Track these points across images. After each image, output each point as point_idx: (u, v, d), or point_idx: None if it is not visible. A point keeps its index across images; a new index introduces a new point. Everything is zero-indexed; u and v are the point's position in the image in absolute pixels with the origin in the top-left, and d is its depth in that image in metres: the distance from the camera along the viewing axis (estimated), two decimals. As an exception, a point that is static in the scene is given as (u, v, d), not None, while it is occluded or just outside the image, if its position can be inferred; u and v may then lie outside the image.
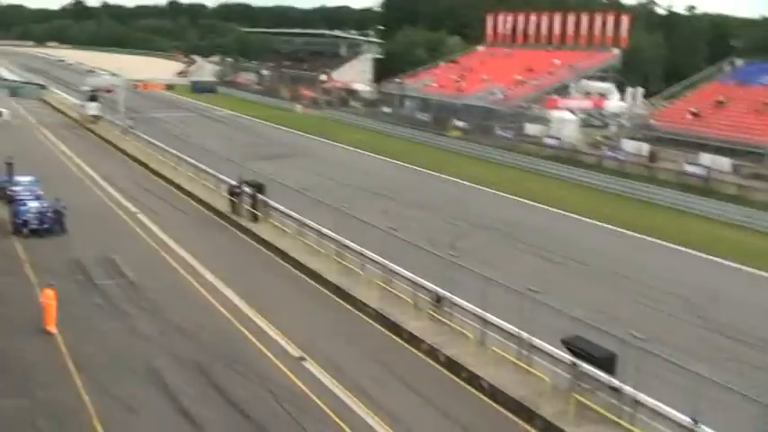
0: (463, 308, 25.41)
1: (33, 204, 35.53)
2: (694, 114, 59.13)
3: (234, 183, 40.27)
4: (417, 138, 73.99)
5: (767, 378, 22.69)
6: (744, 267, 35.29)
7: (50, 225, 35.24)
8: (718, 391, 17.45)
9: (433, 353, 23.77)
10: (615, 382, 19.48)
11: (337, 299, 28.87)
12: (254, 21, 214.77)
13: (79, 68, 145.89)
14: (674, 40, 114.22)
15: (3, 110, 71.55)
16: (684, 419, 18.39)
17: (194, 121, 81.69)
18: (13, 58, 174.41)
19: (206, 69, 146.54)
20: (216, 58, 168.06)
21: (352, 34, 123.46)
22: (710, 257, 36.75)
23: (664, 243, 39.05)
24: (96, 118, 72.21)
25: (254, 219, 37.69)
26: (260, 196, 38.31)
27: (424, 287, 26.88)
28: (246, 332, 25.24)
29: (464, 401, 21.30)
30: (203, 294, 28.74)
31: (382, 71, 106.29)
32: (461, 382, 22.27)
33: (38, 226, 35.01)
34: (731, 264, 35.72)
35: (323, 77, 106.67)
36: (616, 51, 77.66)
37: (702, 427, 17.87)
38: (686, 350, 23.07)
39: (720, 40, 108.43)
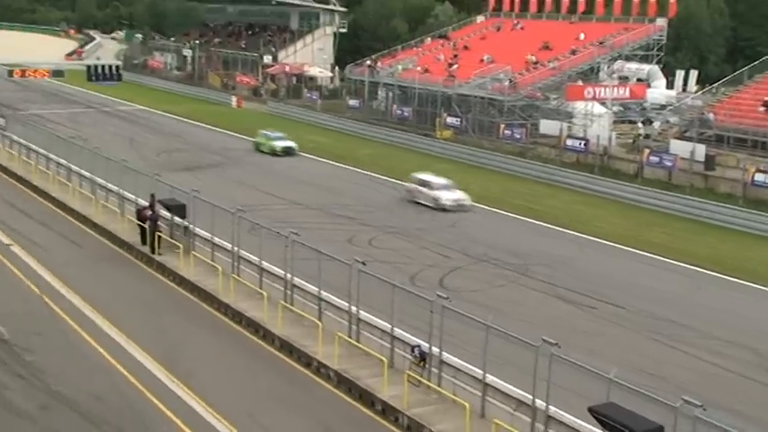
0: (456, 368, 25.47)
1: None
2: (768, 106, 59.81)
3: (144, 203, 40.16)
4: (394, 140, 74.41)
5: None
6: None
7: None
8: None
9: (415, 429, 23.80)
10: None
11: (285, 358, 28.90)
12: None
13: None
14: (741, 7, 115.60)
15: None
16: None
17: (91, 120, 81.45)
18: None
19: (107, 49, 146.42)
20: (121, 34, 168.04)
21: (306, 1, 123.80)
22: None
23: (727, 278, 39.51)
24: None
25: (171, 251, 37.62)
26: (180, 220, 38.29)
27: (402, 340, 26.96)
28: (161, 405, 25.09)
29: (458, 495, 21.38)
30: (102, 355, 28.59)
31: (347, 51, 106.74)
32: (455, 469, 22.38)
33: None
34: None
35: (267, 59, 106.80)
36: (662, 22, 78.40)
37: None
38: (759, 419, 23.31)
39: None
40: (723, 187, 54.99)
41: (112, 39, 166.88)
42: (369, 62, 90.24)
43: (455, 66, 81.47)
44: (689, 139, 59.77)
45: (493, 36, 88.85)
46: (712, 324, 33.25)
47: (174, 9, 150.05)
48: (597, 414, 20.20)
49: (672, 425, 19.03)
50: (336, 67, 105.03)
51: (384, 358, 26.43)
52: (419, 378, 25.49)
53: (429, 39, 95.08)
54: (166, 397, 25.61)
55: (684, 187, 55.23)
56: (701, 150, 57.37)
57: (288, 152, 66.75)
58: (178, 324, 31.92)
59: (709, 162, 56.73)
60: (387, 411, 24.85)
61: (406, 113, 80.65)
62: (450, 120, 74.83)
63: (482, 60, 79.84)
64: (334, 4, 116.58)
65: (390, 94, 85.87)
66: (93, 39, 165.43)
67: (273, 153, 66.42)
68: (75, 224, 44.51)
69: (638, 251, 43.41)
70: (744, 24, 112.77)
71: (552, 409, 22.18)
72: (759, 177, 52.90)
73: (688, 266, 41.01)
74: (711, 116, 61.95)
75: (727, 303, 36.43)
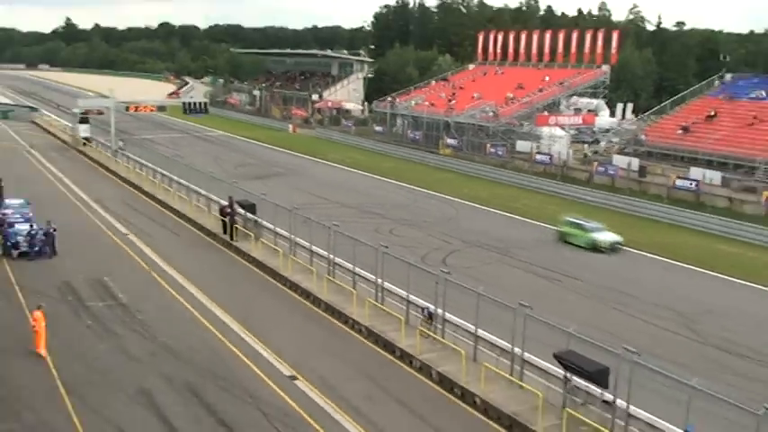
0: (455, 324, 25.37)
1: (23, 227, 35.39)
2: (685, 129, 59.43)
3: (225, 203, 40.19)
4: (409, 156, 74.14)
5: (761, 389, 22.69)
6: (737, 280, 35.36)
7: (41, 247, 35.09)
8: (713, 403, 17.39)
9: (425, 370, 23.71)
10: (608, 396, 19.44)
11: (329, 317, 28.82)
12: (246, 41, 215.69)
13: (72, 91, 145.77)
14: (664, 56, 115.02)
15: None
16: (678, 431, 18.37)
17: (186, 142, 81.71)
18: (4, 81, 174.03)
19: (198, 90, 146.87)
20: (207, 79, 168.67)
21: (344, 54, 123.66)
22: (705, 271, 36.82)
23: (658, 257, 39.14)
24: (87, 140, 72.08)
25: (245, 239, 37.61)
26: (251, 216, 38.28)
27: (415, 304, 26.85)
28: (238, 352, 25.13)
29: (457, 418, 21.23)
30: (195, 315, 28.61)
31: (374, 90, 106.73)
32: (454, 399, 22.23)
33: (28, 248, 34.87)
34: (726, 277, 35.74)
35: (314, 97, 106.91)
36: (606, 68, 77.98)
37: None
38: (680, 363, 23.07)
39: (710, 55, 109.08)
40: (653, 190, 54.58)
41: (202, 83, 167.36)
42: (390, 99, 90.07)
43: (453, 101, 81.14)
44: (627, 154, 59.83)
45: (481, 79, 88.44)
46: (645, 292, 33.03)
47: (247, 61, 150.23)
48: (560, 358, 20.12)
49: (616, 367, 18.88)
50: (366, 102, 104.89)
51: (402, 317, 26.34)
52: (428, 332, 25.40)
53: (434, 81, 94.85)
54: (243, 347, 25.64)
55: (624, 190, 54.92)
56: (635, 162, 57.47)
57: (615, 248, 40.12)
58: (250, 292, 31.88)
59: (642, 171, 56.51)
60: (404, 356, 24.80)
61: (417, 136, 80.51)
62: (449, 141, 74.73)
63: (473, 97, 79.45)
64: (365, 57, 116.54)
65: (406, 121, 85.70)
66: (188, 83, 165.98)
67: (594, 248, 39.93)
68: (174, 219, 44.54)
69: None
70: (667, 70, 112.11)
71: (527, 354, 22.10)
72: (679, 182, 52.91)
73: (627, 249, 40.61)
74: (643, 137, 61.79)
75: (656, 276, 36.13)
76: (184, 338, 26.09)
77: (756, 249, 41.72)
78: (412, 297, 27.02)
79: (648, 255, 39.71)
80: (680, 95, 67.80)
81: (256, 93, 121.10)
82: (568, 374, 20.22)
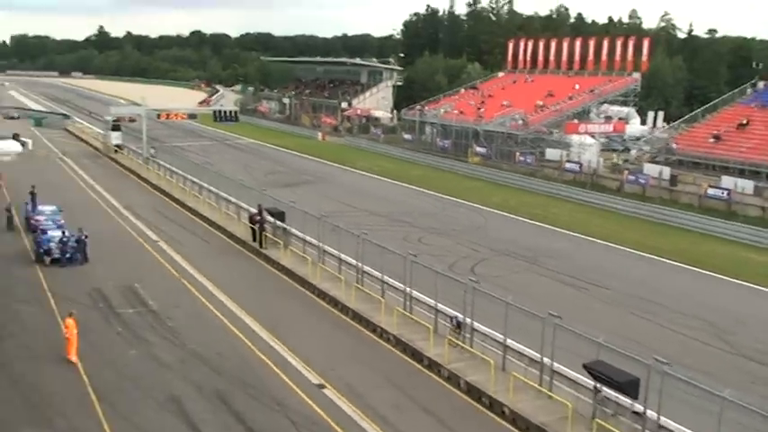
0: (484, 333, 25.26)
1: (55, 233, 35.82)
2: (716, 137, 58.82)
3: (254, 210, 40.38)
4: (438, 164, 74.07)
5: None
6: (769, 291, 34.95)
7: (72, 254, 35.48)
8: (745, 414, 17.17)
9: (453, 379, 23.63)
10: (638, 407, 19.26)
11: (357, 325, 28.83)
12: (276, 50, 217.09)
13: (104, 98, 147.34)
14: (695, 64, 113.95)
15: (26, 140, 72.29)
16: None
17: (216, 150, 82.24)
18: (37, 89, 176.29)
19: (228, 98, 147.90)
20: (238, 87, 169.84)
21: (373, 62, 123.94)
22: (735, 281, 36.38)
23: (687, 267, 38.74)
24: (119, 147, 72.82)
25: (274, 246, 37.75)
26: (280, 223, 38.42)
27: (444, 313, 26.78)
28: (267, 360, 25.22)
29: (485, 428, 21.14)
30: (224, 322, 28.77)
31: (403, 98, 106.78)
32: (482, 408, 22.12)
33: (60, 255, 35.27)
34: (757, 287, 35.31)
35: (344, 105, 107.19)
36: (636, 75, 77.56)
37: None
38: (711, 374, 22.80)
39: (742, 62, 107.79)
40: (684, 199, 54.06)
41: (232, 91, 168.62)
42: (419, 106, 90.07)
43: (482, 109, 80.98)
44: (658, 163, 59.24)
45: (510, 87, 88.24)
46: (675, 301, 32.68)
47: (277, 69, 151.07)
48: (589, 369, 19.96)
49: (646, 378, 18.71)
50: (395, 110, 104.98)
51: (430, 326, 26.29)
52: (456, 341, 25.32)
53: (463, 89, 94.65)
54: (271, 354, 25.70)
55: (655, 199, 54.49)
56: (666, 171, 56.91)
57: None
58: (279, 300, 31.99)
59: (673, 180, 55.99)
60: (432, 365, 24.73)
61: (446, 144, 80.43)
62: (478, 149, 74.52)
63: (502, 105, 79.25)
64: (394, 65, 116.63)
65: (435, 130, 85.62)
66: (218, 91, 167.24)
67: None
68: (204, 226, 44.83)
69: (619, 246, 42.76)
70: (698, 78, 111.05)
71: (556, 365, 21.95)
72: (710, 191, 52.39)
73: (657, 258, 40.30)
74: (674, 145, 61.17)
75: (686, 285, 35.78)
76: (214, 346, 26.23)
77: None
78: (440, 306, 26.94)
79: (674, 263, 39.29)
80: (711, 103, 67.12)
81: (286, 101, 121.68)
82: (598, 385, 20.05)
